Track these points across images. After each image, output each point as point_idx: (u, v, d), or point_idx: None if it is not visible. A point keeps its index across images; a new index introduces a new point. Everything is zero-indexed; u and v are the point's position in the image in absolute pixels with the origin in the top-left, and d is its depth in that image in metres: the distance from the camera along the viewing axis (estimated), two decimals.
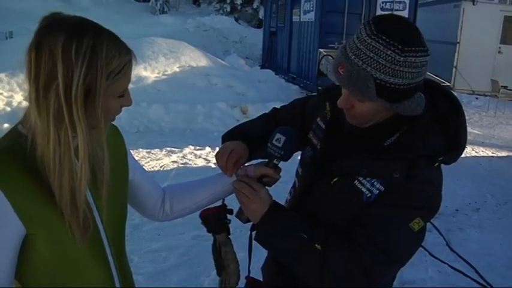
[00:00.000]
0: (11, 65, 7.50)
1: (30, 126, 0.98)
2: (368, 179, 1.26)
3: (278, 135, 1.35)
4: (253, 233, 1.35)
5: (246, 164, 1.45)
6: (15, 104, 7.01)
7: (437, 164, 1.25)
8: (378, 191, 1.25)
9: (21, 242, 0.99)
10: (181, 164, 6.11)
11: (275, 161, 1.38)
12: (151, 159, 6.21)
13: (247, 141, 1.48)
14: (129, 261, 1.26)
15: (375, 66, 1.15)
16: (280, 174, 1.42)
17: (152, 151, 6.49)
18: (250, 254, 1.49)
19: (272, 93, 9.43)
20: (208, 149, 6.64)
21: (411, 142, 1.24)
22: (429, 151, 1.24)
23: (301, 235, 1.25)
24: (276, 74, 11.85)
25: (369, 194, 1.26)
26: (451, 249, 3.96)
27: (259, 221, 1.31)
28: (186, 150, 6.61)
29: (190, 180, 1.51)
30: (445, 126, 1.28)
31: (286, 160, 1.39)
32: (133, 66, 1.05)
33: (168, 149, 6.63)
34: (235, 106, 8.32)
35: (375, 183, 1.25)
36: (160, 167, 5.93)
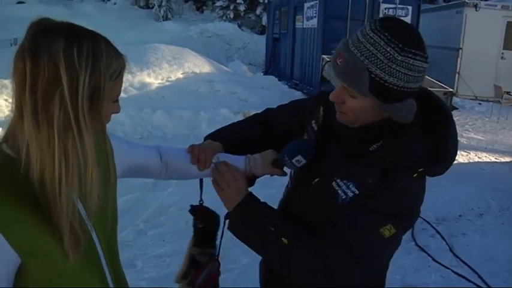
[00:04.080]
0: None
1: (20, 144, 0.90)
2: (345, 181, 1.28)
3: (299, 158, 1.36)
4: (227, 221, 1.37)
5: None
6: None
7: (416, 174, 1.23)
8: (352, 194, 1.27)
9: (16, 269, 0.94)
10: None
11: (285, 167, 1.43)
12: None
13: (225, 145, 1.51)
14: (122, 265, 1.22)
15: (372, 60, 1.15)
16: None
17: None
18: (221, 240, 1.50)
19: (275, 99, 9.18)
20: None
21: (392, 151, 1.25)
22: (409, 161, 1.23)
23: (269, 228, 1.28)
24: (279, 80, 11.91)
25: (344, 196, 1.27)
26: (454, 255, 3.95)
27: (233, 209, 1.34)
28: None
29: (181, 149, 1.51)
30: (433, 137, 1.27)
31: None
32: (127, 72, 1.02)
33: None
34: (239, 112, 8.35)
35: (350, 186, 1.27)
36: None
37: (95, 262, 1.06)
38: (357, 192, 1.26)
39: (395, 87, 1.16)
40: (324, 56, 9.94)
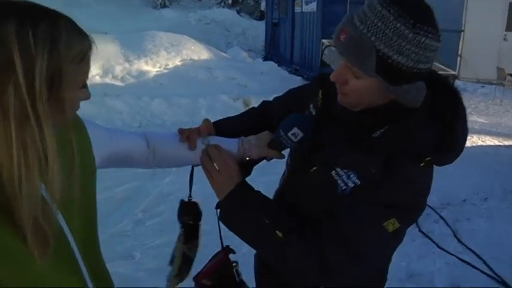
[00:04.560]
0: None
1: None
2: (345, 170, 1.18)
3: (296, 130, 1.26)
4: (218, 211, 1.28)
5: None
6: None
7: (423, 163, 1.13)
8: (353, 184, 1.16)
9: None
10: None
11: (282, 147, 1.33)
12: None
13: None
14: (104, 262, 1.15)
15: (380, 36, 1.04)
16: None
17: None
18: (220, 233, 1.40)
19: (275, 84, 9.29)
20: None
21: (398, 137, 1.14)
22: (416, 148, 1.13)
23: (263, 219, 1.18)
24: (278, 65, 11.78)
25: (344, 187, 1.18)
26: (459, 241, 3.88)
27: (224, 198, 1.24)
28: None
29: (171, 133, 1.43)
30: (442, 122, 1.16)
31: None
32: (92, 53, 0.91)
33: None
34: (238, 98, 8.28)
35: (351, 175, 1.17)
36: None
37: (69, 262, 0.96)
38: (358, 182, 1.16)
39: (404, 68, 1.06)
40: (324, 40, 9.81)
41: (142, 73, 8.42)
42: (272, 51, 14.12)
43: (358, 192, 1.15)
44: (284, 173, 1.48)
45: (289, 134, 1.26)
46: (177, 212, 1.46)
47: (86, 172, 1.06)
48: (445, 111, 1.18)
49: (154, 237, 3.90)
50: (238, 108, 7.85)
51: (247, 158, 1.38)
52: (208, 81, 8.96)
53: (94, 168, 1.11)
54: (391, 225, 1.10)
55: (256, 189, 1.27)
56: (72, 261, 0.98)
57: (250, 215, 1.21)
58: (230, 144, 1.37)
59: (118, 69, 8.02)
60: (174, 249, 1.46)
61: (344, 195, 1.17)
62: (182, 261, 1.43)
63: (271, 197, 1.40)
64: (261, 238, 1.20)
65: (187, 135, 1.36)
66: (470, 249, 3.72)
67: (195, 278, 1.41)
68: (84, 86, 0.93)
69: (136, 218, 4.30)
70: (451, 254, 3.64)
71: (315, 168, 1.25)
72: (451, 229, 4.08)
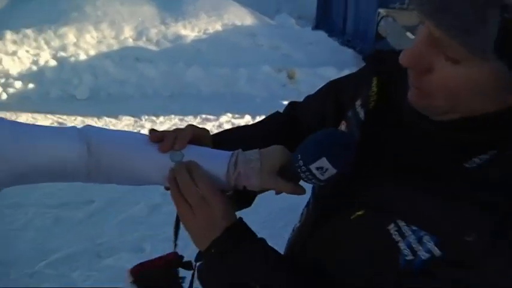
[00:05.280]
0: (38, 19, 7.09)
1: None
2: (414, 228, 0.74)
3: (324, 163, 0.80)
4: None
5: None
6: (42, 62, 6.56)
7: None
8: (428, 255, 0.72)
9: None
10: None
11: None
12: None
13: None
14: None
15: None
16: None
17: (185, 118, 6.05)
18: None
19: (324, 56, 8.70)
20: (248, 117, 6.14)
21: None
22: None
23: (252, 285, 0.83)
24: (329, 36, 11.08)
25: (411, 256, 0.73)
26: None
27: (205, 249, 0.88)
28: (223, 118, 6.16)
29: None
30: None
31: None
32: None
33: (204, 116, 6.18)
34: (282, 70, 7.75)
35: (425, 238, 0.72)
36: None
37: None
38: (437, 253, 0.70)
39: None
40: (381, 10, 8.98)
41: (179, 37, 7.96)
42: (323, 20, 13.48)
43: (437, 271, 0.70)
44: (307, 209, 1.04)
45: (313, 167, 0.81)
46: None
47: None
48: None
49: (169, 226, 3.49)
50: (281, 81, 7.46)
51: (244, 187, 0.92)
52: (251, 50, 8.45)
53: None
54: None
55: (257, 234, 0.90)
56: None
57: (235, 277, 0.85)
58: (217, 163, 0.93)
59: (153, 32, 7.63)
60: None
61: (410, 271, 0.73)
62: None
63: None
64: None
65: (158, 137, 0.95)
66: None
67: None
68: None
69: (153, 202, 3.96)
70: None
71: (359, 213, 0.82)
72: None
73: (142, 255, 3.15)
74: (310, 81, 7.29)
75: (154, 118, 5.89)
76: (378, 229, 0.78)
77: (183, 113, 6.17)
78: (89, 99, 6.19)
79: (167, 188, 0.93)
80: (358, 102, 0.94)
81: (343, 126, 0.96)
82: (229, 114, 6.29)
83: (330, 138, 0.83)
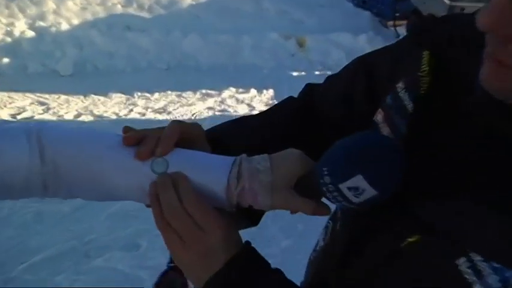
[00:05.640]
0: None
1: None
2: (496, 265, 0.53)
3: (361, 182, 0.60)
4: None
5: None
6: (17, 33, 6.03)
7: None
8: None
9: None
10: (219, 111, 5.36)
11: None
12: (181, 105, 5.41)
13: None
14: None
15: None
16: None
17: (183, 94, 5.68)
18: None
19: (337, 21, 8.18)
20: (253, 91, 5.80)
21: None
22: None
23: None
24: None
25: None
26: None
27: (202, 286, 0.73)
28: (226, 93, 5.79)
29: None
30: None
31: None
32: None
33: (204, 91, 5.81)
34: (290, 37, 7.37)
35: (508, 275, 0.52)
36: (192, 115, 5.18)
37: None
38: None
39: None
40: None
41: (174, 2, 7.57)
42: None
43: None
44: (334, 218, 0.85)
45: (344, 187, 0.62)
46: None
47: None
48: None
49: None
50: (289, 50, 7.04)
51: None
52: (255, 15, 8.03)
53: None
54: None
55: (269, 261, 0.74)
56: None
57: None
58: (214, 171, 0.76)
59: None
60: None
61: None
62: None
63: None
64: None
65: (135, 139, 0.76)
66: None
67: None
68: None
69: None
70: None
71: (411, 239, 0.61)
72: None
73: (137, 254, 3.03)
74: (322, 49, 7.08)
75: (148, 95, 5.50)
76: (440, 263, 0.60)
77: (181, 88, 5.77)
78: (74, 75, 5.79)
79: (149, 206, 0.76)
80: (400, 85, 0.75)
81: (379, 116, 0.77)
82: (233, 89, 5.90)
83: (368, 146, 0.64)
